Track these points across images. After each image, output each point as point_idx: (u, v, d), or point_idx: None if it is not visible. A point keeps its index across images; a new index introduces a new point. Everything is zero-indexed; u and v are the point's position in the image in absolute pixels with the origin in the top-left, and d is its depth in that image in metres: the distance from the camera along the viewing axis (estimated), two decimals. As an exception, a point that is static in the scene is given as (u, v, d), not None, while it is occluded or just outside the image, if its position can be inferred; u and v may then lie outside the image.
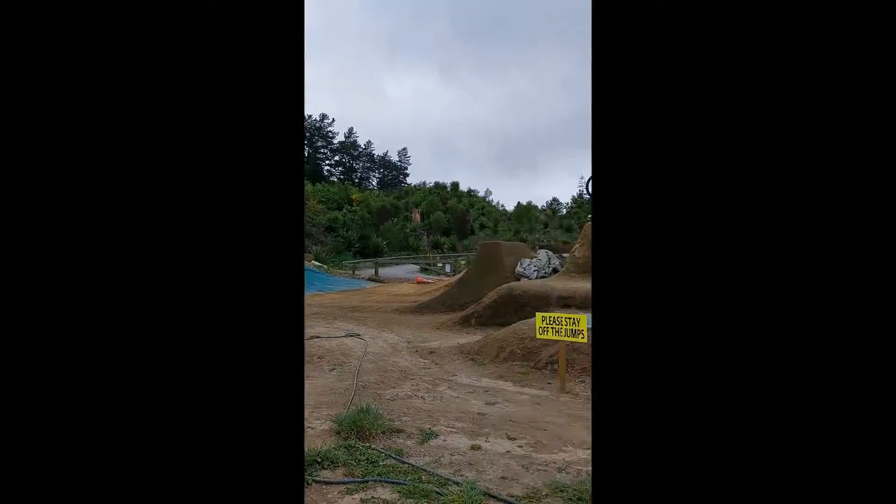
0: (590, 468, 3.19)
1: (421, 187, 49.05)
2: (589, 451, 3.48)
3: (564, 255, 13.89)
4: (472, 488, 2.65)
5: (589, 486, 2.75)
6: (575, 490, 2.71)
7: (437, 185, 48.60)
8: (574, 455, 3.39)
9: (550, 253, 13.76)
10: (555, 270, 12.00)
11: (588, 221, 11.98)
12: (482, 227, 37.03)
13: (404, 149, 60.93)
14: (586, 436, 3.86)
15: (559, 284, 9.08)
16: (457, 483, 2.79)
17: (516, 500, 2.65)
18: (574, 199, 47.47)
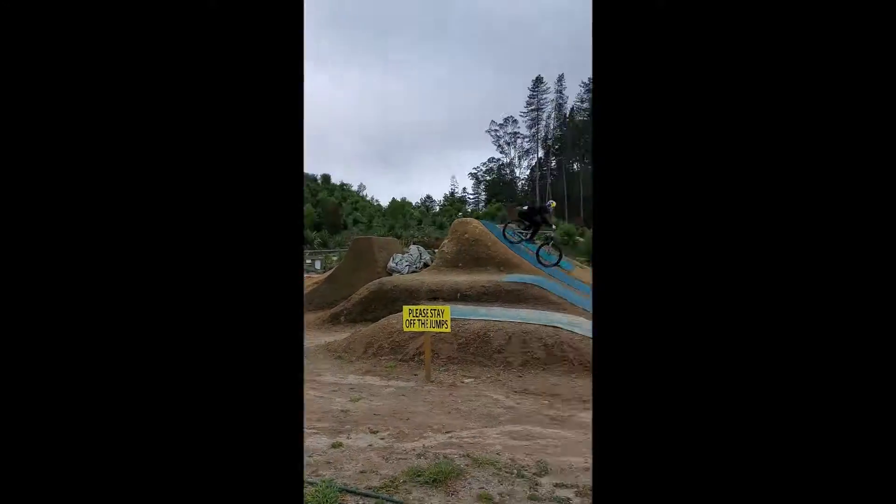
0: (448, 450, 3.34)
1: (289, 179, 45.93)
2: (448, 435, 3.66)
3: (436, 250, 14.35)
4: (327, 486, 2.58)
5: (444, 466, 2.89)
6: (431, 473, 2.83)
7: (306, 176, 46.13)
8: (434, 440, 3.54)
9: (422, 248, 14.10)
10: (426, 265, 12.34)
11: (458, 218, 12.54)
12: (356, 222, 36.30)
13: (270, 137, 56.34)
14: (446, 420, 4.06)
15: (429, 278, 9.36)
16: (312, 483, 2.69)
17: (374, 490, 2.65)
18: (446, 197, 49.38)
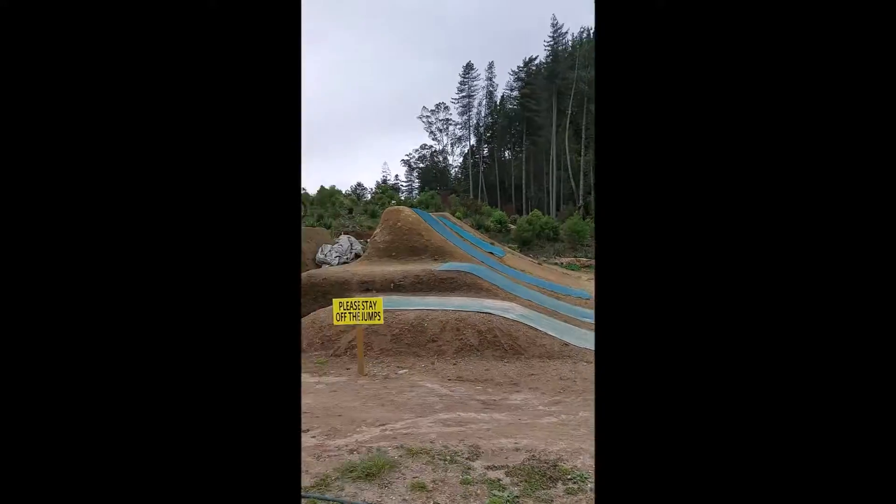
0: (381, 444, 3.32)
1: (207, 166, 42.59)
2: (381, 428, 3.65)
3: (368, 240, 14.12)
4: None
5: (377, 460, 2.87)
6: (364, 467, 2.80)
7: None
8: (367, 434, 3.50)
9: (353, 238, 13.80)
10: (357, 255, 12.11)
11: (391, 206, 12.25)
12: (283, 212, 34.44)
13: (183, 119, 51.70)
14: (380, 413, 4.04)
15: (361, 269, 9.19)
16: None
17: (304, 490, 2.58)
18: (378, 185, 48.54)
